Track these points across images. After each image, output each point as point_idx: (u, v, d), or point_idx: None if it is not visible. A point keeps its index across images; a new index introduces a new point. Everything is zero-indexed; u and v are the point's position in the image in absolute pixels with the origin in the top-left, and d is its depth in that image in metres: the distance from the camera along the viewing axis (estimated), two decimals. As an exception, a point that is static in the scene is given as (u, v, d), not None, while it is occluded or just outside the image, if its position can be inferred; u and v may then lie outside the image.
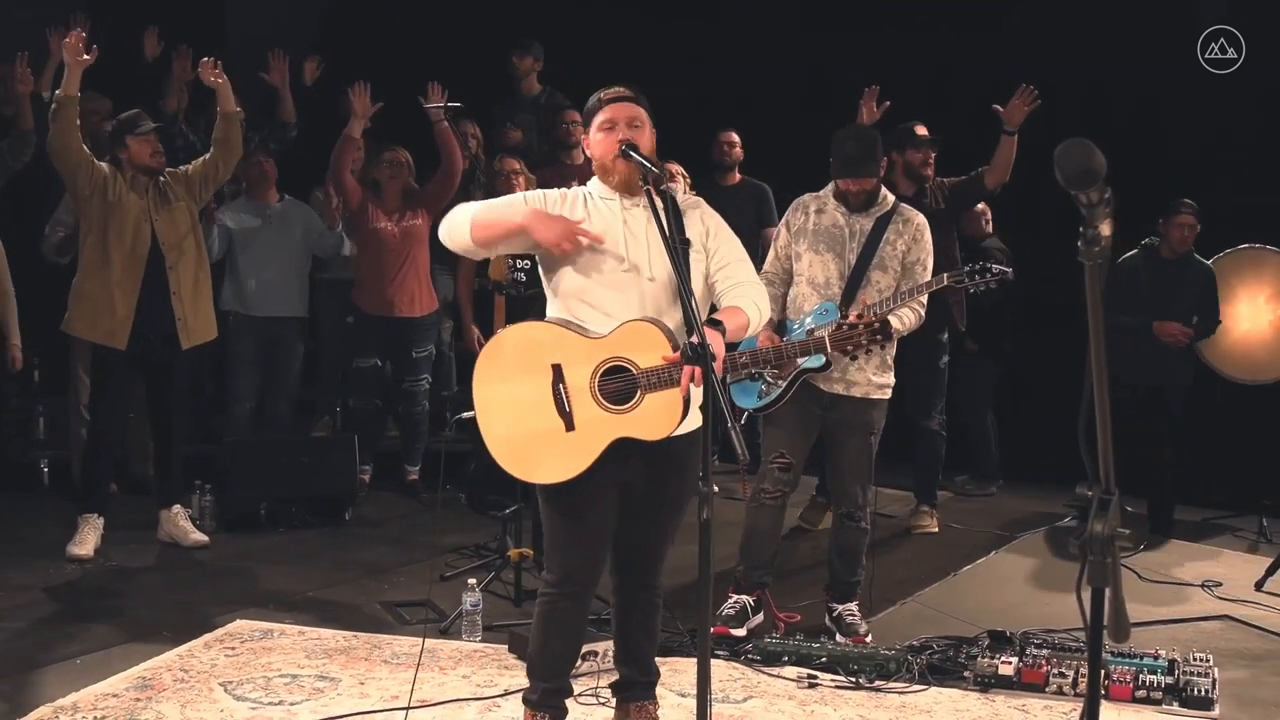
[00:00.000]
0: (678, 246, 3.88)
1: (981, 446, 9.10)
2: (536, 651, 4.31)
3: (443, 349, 9.05)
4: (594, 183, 4.27)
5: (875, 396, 5.71)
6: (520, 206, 4.10)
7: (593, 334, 4.03)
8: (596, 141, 4.17)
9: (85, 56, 6.48)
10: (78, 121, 6.61)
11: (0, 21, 7.88)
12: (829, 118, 6.88)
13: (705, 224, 4.24)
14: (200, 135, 8.51)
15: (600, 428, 3.99)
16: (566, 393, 3.98)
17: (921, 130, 7.50)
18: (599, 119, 4.15)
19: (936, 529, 7.83)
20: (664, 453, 4.06)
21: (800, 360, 5.43)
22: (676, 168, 8.10)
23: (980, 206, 8.70)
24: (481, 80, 8.23)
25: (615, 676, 4.57)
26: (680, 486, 4.19)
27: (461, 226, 4.11)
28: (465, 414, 4.01)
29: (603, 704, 4.64)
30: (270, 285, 8.19)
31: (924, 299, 5.71)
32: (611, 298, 4.06)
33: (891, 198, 5.80)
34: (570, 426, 3.98)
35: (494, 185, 8.08)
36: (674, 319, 4.06)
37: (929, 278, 5.73)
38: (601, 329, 4.02)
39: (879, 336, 4.55)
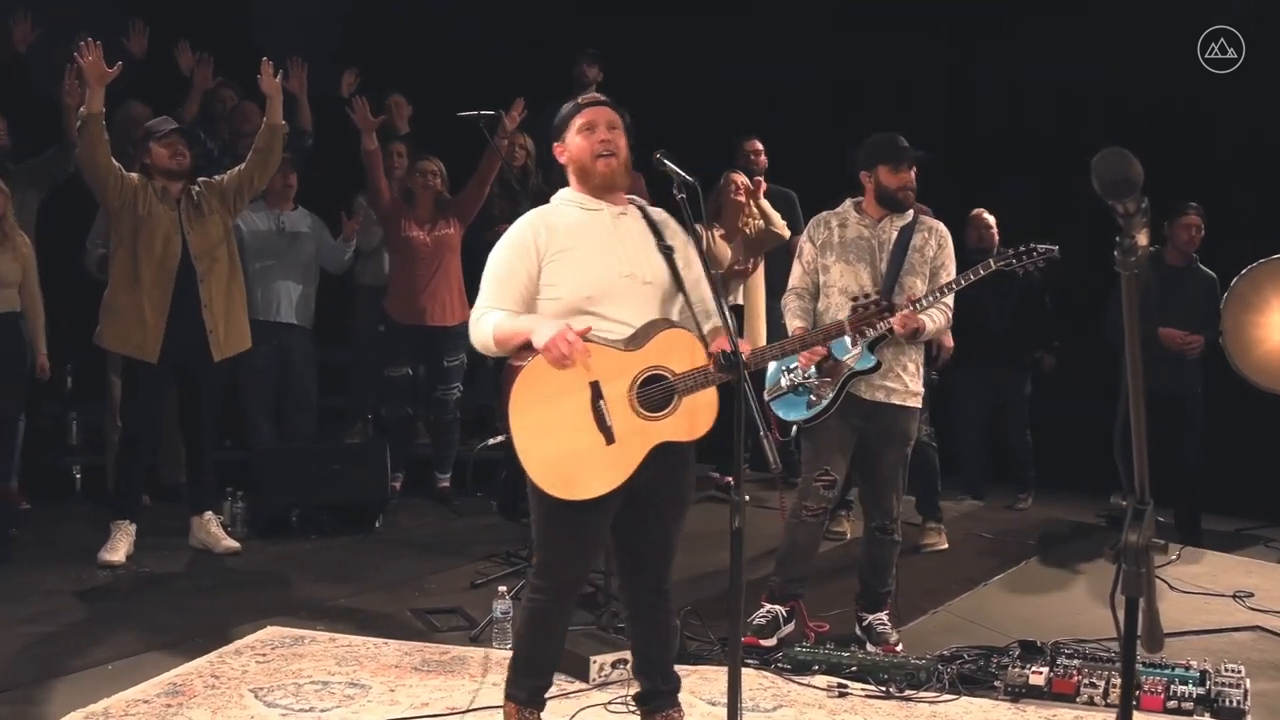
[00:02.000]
0: (703, 251, 3.97)
1: (1021, 462, 9.06)
2: (526, 652, 4.33)
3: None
4: (568, 193, 4.26)
5: (911, 404, 5.71)
6: (529, 320, 4.06)
7: (625, 346, 4.06)
8: (575, 144, 4.20)
9: (108, 71, 6.52)
10: (105, 137, 6.63)
11: (64, 35, 7.92)
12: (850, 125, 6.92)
13: (682, 236, 4.30)
14: (218, 143, 8.56)
15: (640, 436, 4.03)
16: (606, 407, 3.99)
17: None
18: (577, 122, 4.20)
19: (945, 545, 7.67)
20: (668, 451, 4.10)
21: (851, 363, 5.51)
22: (741, 179, 8.15)
23: (989, 218, 8.61)
24: (500, 88, 8.29)
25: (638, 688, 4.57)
26: (685, 481, 4.30)
27: (485, 338, 4.11)
28: (492, 440, 3.99)
29: (633, 712, 4.64)
30: (278, 292, 8.22)
31: (950, 300, 5.70)
32: (616, 305, 4.10)
33: (911, 210, 5.78)
34: (610, 440, 4.00)
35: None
36: (679, 316, 4.20)
37: (944, 281, 5.71)
38: (612, 337, 4.06)
39: (886, 313, 4.89)
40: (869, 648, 5.67)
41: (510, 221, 4.10)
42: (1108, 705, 4.98)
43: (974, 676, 5.25)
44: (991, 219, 8.63)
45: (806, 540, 5.85)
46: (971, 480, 9.11)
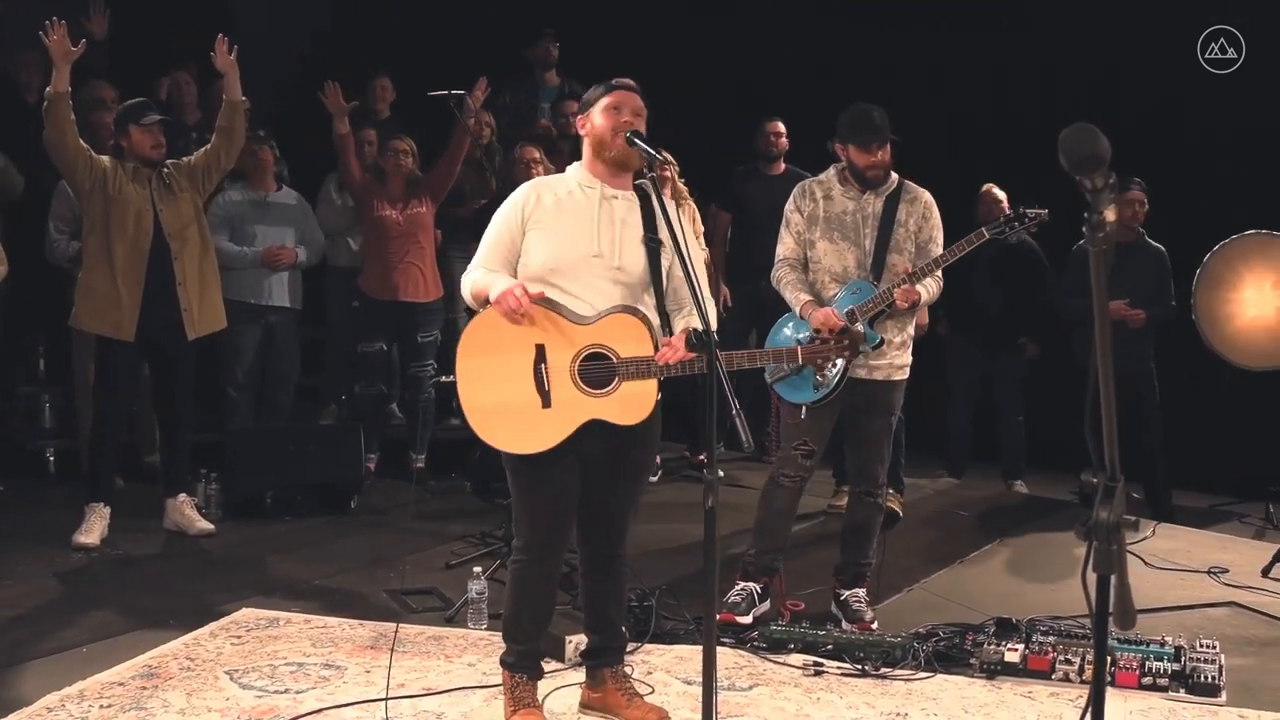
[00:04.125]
0: (679, 235, 4.09)
1: (1012, 448, 9.00)
2: (512, 617, 4.51)
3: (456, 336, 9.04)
4: (576, 168, 4.47)
5: (896, 378, 5.71)
6: (492, 277, 4.30)
7: (577, 319, 4.24)
8: (598, 121, 4.36)
9: (73, 49, 6.46)
10: (71, 117, 6.56)
11: (21, 11, 7.86)
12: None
13: (666, 231, 4.36)
14: (197, 133, 8.53)
15: (575, 408, 4.23)
16: (547, 372, 4.21)
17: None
18: (606, 101, 4.37)
19: (901, 512, 7.66)
20: (615, 427, 4.28)
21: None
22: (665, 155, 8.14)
23: (999, 193, 8.54)
24: (479, 68, 8.30)
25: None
26: (638, 456, 4.50)
27: (465, 292, 4.44)
28: (446, 378, 4.24)
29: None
30: (264, 273, 8.17)
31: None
32: (577, 282, 4.28)
33: (896, 176, 5.74)
34: (547, 404, 4.22)
35: (513, 173, 8.06)
36: (645, 307, 4.35)
37: (936, 253, 5.71)
38: (576, 311, 4.25)
39: (847, 351, 4.77)
40: (845, 625, 5.68)
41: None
42: (1083, 682, 4.99)
43: (950, 654, 5.27)
44: (1002, 194, 8.53)
45: (783, 505, 5.84)
46: (953, 458, 9.09)
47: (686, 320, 4.36)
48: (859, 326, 5.50)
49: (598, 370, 4.22)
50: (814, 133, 7.80)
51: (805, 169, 8.19)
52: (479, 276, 4.33)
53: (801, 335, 5.63)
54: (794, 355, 4.72)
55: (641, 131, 4.29)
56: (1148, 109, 9.19)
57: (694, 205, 8.34)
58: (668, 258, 4.38)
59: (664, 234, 4.32)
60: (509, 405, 4.21)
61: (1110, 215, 2.28)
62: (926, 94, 9.79)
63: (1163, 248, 8.11)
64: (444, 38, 10.37)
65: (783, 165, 8.89)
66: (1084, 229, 2.28)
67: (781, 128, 8.89)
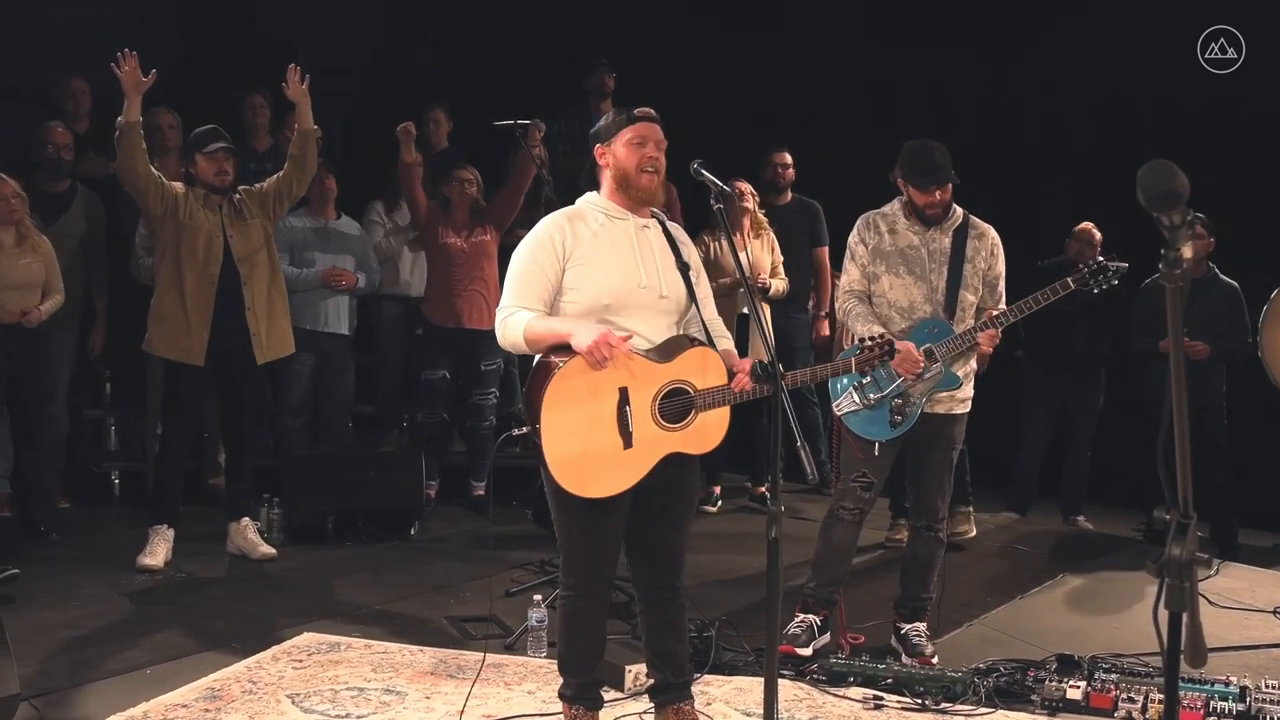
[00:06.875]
0: (741, 263, 4.07)
1: (1075, 482, 8.92)
2: (565, 651, 4.51)
3: (510, 365, 9.07)
4: (597, 198, 4.43)
5: (958, 411, 5.70)
6: (566, 323, 4.20)
7: (655, 358, 4.24)
8: (621, 154, 4.34)
9: (144, 80, 6.56)
10: (143, 146, 6.69)
11: (88, 40, 7.98)
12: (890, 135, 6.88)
13: (697, 255, 4.48)
14: (268, 160, 8.62)
15: (655, 444, 4.23)
16: (630, 414, 4.18)
17: None
18: (629, 134, 4.34)
19: (974, 531, 7.77)
20: (674, 456, 4.29)
21: (932, 377, 5.52)
22: (746, 186, 8.18)
23: (1097, 235, 8.41)
24: (534, 98, 8.38)
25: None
26: (689, 482, 4.48)
27: (515, 336, 4.24)
28: (515, 432, 4.18)
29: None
30: (325, 301, 8.26)
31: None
32: (632, 316, 4.29)
33: (960, 210, 5.73)
34: (629, 444, 4.19)
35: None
36: (675, 333, 4.38)
37: (1002, 289, 5.71)
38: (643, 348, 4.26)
39: (889, 357, 4.66)
40: (905, 659, 5.65)
41: (528, 227, 4.24)
42: (1146, 720, 4.96)
43: (1010, 690, 5.22)
44: (1099, 235, 8.45)
45: (841, 539, 5.81)
46: (1019, 493, 9.01)
47: (727, 346, 4.43)
48: (938, 366, 5.49)
49: (676, 405, 4.23)
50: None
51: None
52: (534, 320, 4.21)
53: (864, 380, 5.59)
54: (848, 366, 4.68)
55: (707, 162, 4.29)
56: (1151, 113, 9.18)
57: (772, 235, 8.38)
58: (695, 282, 4.42)
59: (693, 259, 4.41)
60: (594, 452, 4.16)
61: (1188, 252, 2.28)
62: (927, 108, 9.79)
63: (1235, 283, 8.01)
64: (498, 66, 10.42)
65: (789, 195, 9.01)
66: (1160, 266, 2.27)
67: (788, 158, 9.01)
